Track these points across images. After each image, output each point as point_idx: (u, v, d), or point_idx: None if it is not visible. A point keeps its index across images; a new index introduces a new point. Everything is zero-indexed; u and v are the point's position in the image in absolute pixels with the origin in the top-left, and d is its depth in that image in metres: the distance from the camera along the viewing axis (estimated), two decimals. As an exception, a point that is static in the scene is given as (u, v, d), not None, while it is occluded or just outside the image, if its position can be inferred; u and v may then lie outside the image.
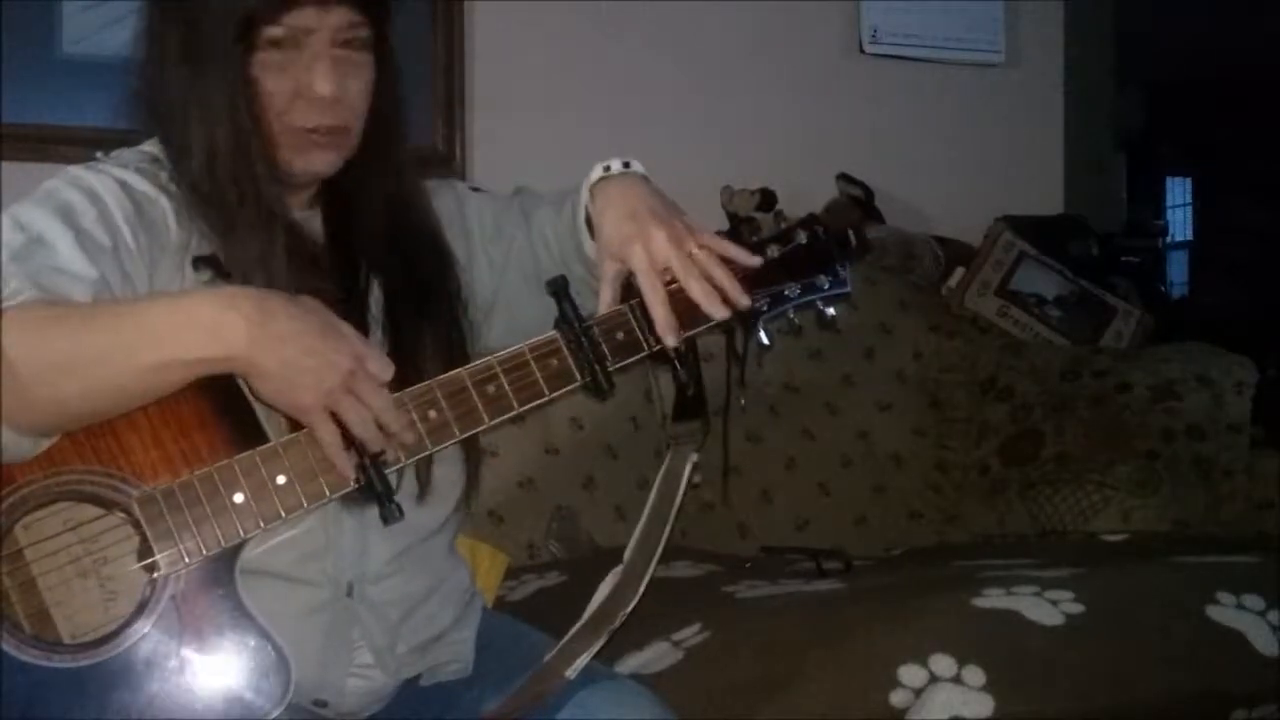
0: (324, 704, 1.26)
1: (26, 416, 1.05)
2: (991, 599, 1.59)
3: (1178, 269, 8.22)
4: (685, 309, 1.27)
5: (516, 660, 1.33)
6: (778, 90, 2.87)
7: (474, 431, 1.21)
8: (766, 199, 2.72)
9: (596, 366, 1.24)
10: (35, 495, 1.09)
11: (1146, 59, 5.23)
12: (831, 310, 1.35)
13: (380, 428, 1.13)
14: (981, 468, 2.43)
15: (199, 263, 1.21)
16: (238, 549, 1.13)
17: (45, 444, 1.08)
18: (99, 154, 1.27)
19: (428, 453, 1.20)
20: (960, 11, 3.00)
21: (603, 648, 1.27)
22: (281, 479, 1.12)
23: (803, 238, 1.35)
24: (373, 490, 1.15)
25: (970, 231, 2.87)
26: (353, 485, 1.15)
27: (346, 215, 1.31)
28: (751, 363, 1.37)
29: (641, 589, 1.29)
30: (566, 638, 1.27)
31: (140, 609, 1.10)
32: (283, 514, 1.13)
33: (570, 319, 1.25)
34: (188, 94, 1.21)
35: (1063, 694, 1.48)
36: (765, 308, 1.33)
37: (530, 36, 2.66)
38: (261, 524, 1.12)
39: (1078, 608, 1.57)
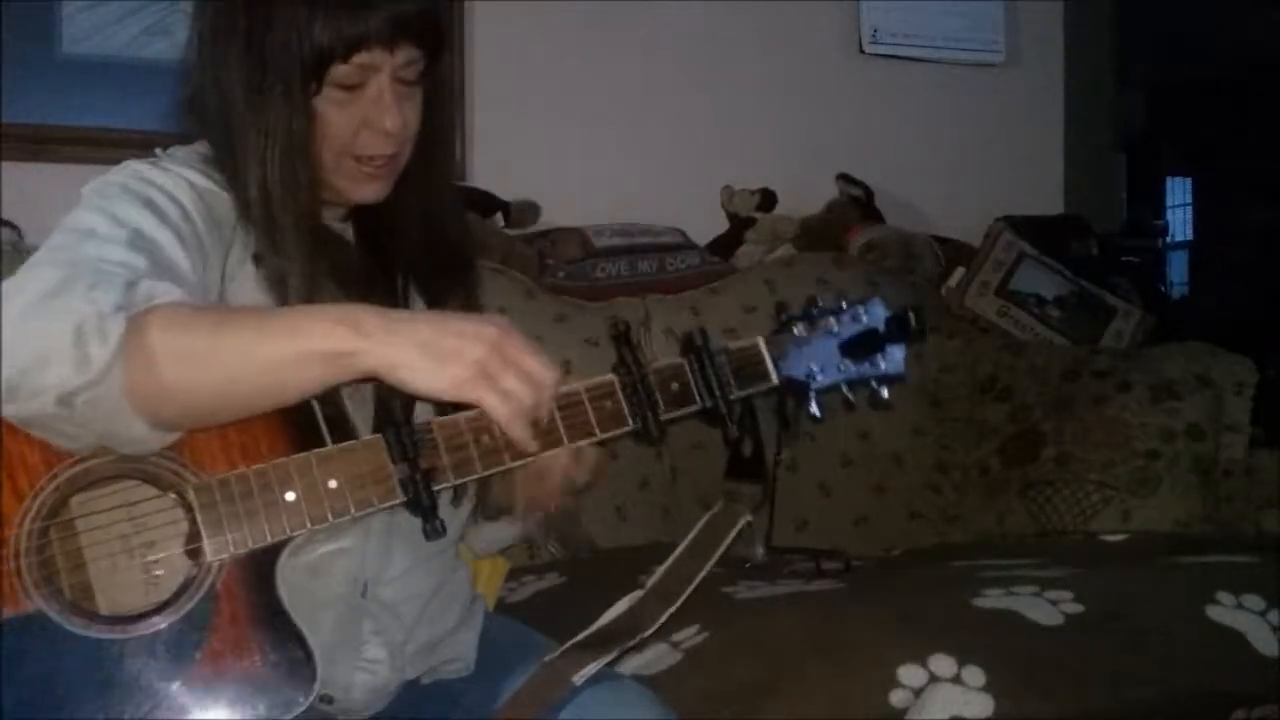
0: (330, 700, 1.26)
1: (165, 410, 1.06)
2: (991, 599, 1.59)
3: (1178, 269, 8.23)
4: (741, 367, 1.31)
5: (517, 661, 1.34)
6: (778, 90, 2.87)
7: (524, 461, 1.23)
8: (766, 199, 2.73)
9: (649, 414, 1.27)
10: (97, 469, 1.10)
11: (1146, 59, 5.24)
12: (886, 392, 1.38)
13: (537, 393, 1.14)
14: (981, 468, 2.43)
15: (260, 260, 1.24)
16: (281, 546, 1.14)
17: (171, 438, 1.09)
18: (158, 150, 1.30)
19: (477, 476, 1.21)
20: (960, 11, 3.00)
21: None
22: (333, 483, 1.14)
23: (862, 317, 1.36)
24: (418, 505, 1.16)
25: (970, 231, 2.87)
26: (400, 499, 1.16)
27: (379, 229, 1.34)
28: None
29: (662, 619, 1.30)
30: (572, 642, 1.28)
31: (180, 593, 1.11)
32: (330, 517, 1.14)
33: (629, 365, 1.27)
34: (250, 120, 1.23)
35: (1063, 694, 1.48)
36: (819, 378, 1.35)
37: (530, 36, 2.66)
38: (309, 524, 1.13)
39: (1077, 608, 1.57)
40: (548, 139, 2.64)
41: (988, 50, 3.04)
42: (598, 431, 1.25)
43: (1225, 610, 1.61)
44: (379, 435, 1.16)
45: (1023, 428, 2.41)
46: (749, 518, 1.35)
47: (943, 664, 1.45)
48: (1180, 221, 8.71)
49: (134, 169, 1.24)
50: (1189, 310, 6.88)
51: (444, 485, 1.19)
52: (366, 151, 1.27)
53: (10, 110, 2.24)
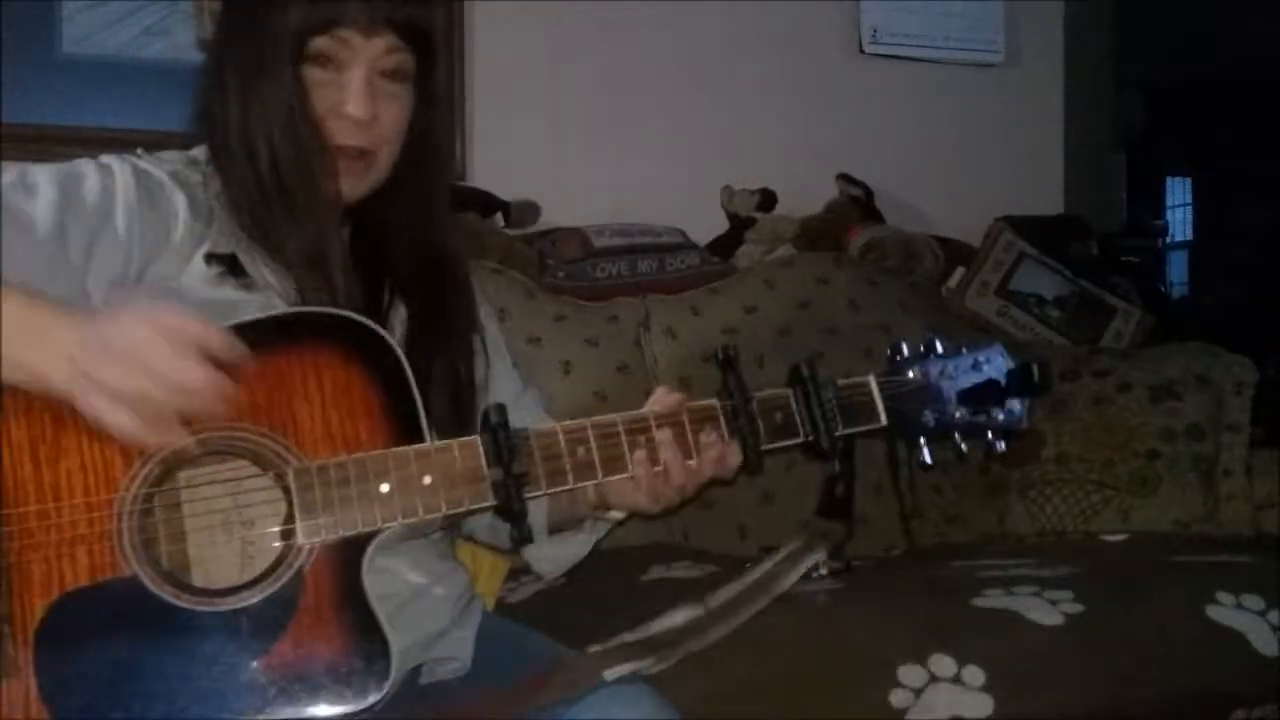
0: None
1: None
2: (991, 599, 1.59)
3: (1177, 269, 8.24)
4: (849, 404, 1.29)
5: (516, 661, 1.34)
6: (778, 90, 2.87)
7: (617, 478, 1.25)
8: (766, 199, 2.73)
9: (750, 442, 1.28)
10: (206, 444, 1.13)
11: (1146, 59, 5.24)
12: (1002, 444, 1.35)
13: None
14: (981, 468, 2.43)
15: (212, 259, 1.25)
16: (370, 537, 1.16)
17: None
18: (139, 150, 1.32)
19: (569, 488, 1.23)
20: (960, 11, 3.00)
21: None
22: (428, 479, 1.16)
23: (984, 366, 1.33)
24: (509, 510, 1.18)
25: (970, 231, 2.87)
26: (491, 503, 1.18)
27: (373, 238, 1.35)
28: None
29: (711, 639, 1.32)
30: (621, 639, 1.29)
31: (269, 572, 1.13)
32: (421, 513, 1.16)
33: (733, 390, 1.28)
34: (245, 107, 1.27)
35: (1062, 694, 1.48)
36: (931, 424, 1.33)
37: (530, 36, 2.66)
38: (400, 517, 1.16)
39: (1077, 608, 1.57)
40: (548, 139, 2.64)
41: (988, 50, 3.04)
42: (696, 453, 1.26)
43: (1225, 610, 1.61)
44: (476, 437, 1.19)
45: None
46: (819, 557, 1.35)
47: (943, 664, 1.45)
48: (1180, 221, 8.72)
49: (96, 157, 1.27)
50: (1189, 310, 6.88)
51: (536, 494, 1.21)
52: (334, 140, 1.28)
53: (10, 110, 2.23)
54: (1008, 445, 1.35)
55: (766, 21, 2.84)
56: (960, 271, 2.78)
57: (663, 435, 1.25)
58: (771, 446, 1.29)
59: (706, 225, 2.69)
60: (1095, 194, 3.32)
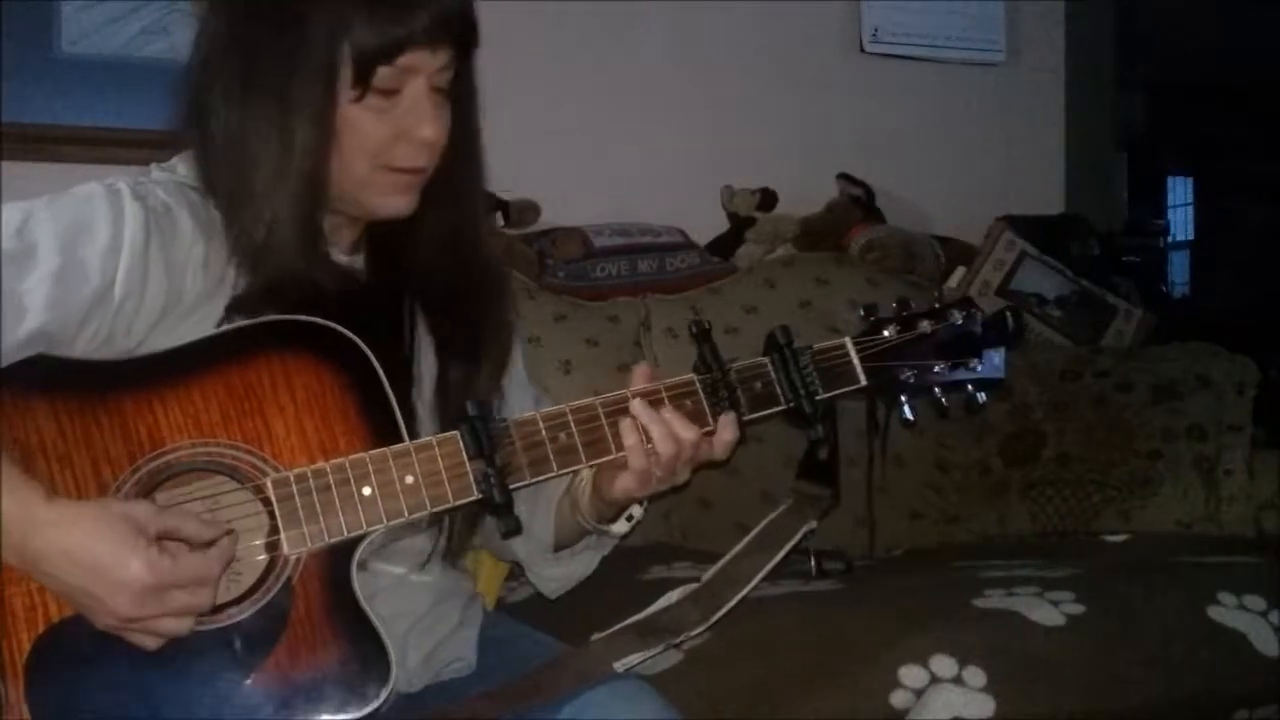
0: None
1: None
2: (992, 600, 1.59)
3: (1179, 269, 8.23)
4: (827, 367, 1.29)
5: (519, 660, 1.34)
6: (778, 90, 2.86)
7: (601, 460, 1.24)
8: (766, 199, 2.73)
9: (732, 414, 1.26)
10: (180, 463, 1.12)
11: (1147, 59, 5.23)
12: (983, 395, 1.35)
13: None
14: (982, 468, 2.43)
15: (232, 310, 1.19)
16: (357, 541, 1.15)
17: None
18: (154, 167, 1.25)
19: (554, 475, 1.22)
20: (960, 11, 3.00)
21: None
22: (409, 479, 1.15)
23: (957, 318, 1.33)
24: (493, 503, 1.17)
25: (971, 231, 2.87)
26: (475, 496, 1.17)
27: (396, 252, 1.30)
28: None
29: (713, 620, 1.30)
30: (621, 626, 1.29)
31: (257, 586, 1.12)
32: (406, 513, 1.15)
33: (710, 363, 1.26)
34: (270, 136, 1.17)
35: (1064, 695, 1.48)
36: (911, 380, 1.32)
37: (530, 36, 2.66)
38: (384, 519, 1.15)
39: (1079, 608, 1.57)
40: (548, 139, 2.64)
41: (988, 50, 3.04)
42: (680, 428, 1.25)
43: (1226, 611, 1.61)
44: (455, 432, 1.17)
45: (1023, 428, 2.41)
46: (813, 524, 1.34)
47: (944, 664, 1.45)
48: (1181, 221, 8.72)
49: (109, 186, 1.18)
50: (1190, 310, 6.88)
51: (520, 484, 1.19)
52: (402, 163, 1.22)
53: (10, 110, 2.23)
54: (988, 397, 1.35)
55: (766, 21, 2.84)
56: (961, 271, 2.78)
57: (643, 411, 1.24)
58: (754, 416, 1.28)
59: (706, 225, 2.69)
60: (1096, 193, 3.31)
